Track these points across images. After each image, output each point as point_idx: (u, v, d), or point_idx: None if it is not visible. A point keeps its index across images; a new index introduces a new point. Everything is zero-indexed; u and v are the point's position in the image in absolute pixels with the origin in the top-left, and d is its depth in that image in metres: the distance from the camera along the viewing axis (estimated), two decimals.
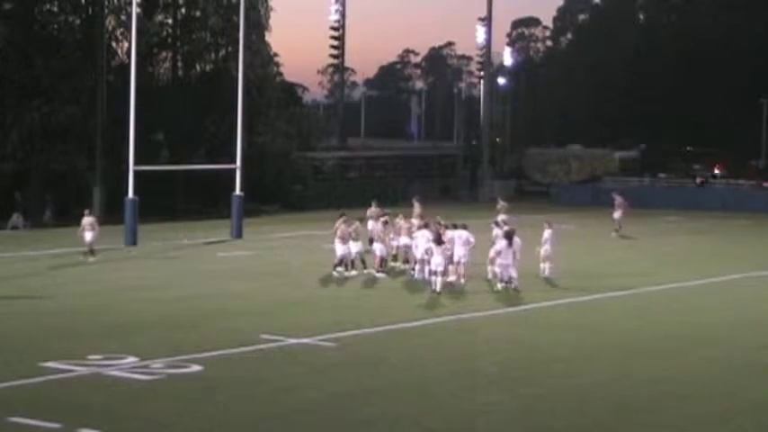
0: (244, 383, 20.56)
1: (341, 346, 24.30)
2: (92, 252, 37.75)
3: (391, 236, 36.37)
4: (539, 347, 24.73)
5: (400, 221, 37.12)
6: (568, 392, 20.50)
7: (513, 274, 32.43)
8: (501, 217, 43.73)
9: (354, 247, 35.42)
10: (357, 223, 36.30)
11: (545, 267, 34.98)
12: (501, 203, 47.59)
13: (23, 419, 17.62)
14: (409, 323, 27.18)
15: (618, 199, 51.51)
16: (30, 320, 26.67)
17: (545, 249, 35.01)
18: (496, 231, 34.85)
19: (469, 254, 33.53)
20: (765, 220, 59.82)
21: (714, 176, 78.71)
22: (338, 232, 35.34)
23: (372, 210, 40.11)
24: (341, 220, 35.96)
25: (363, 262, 35.70)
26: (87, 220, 38.15)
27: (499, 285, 32.39)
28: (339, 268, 35.31)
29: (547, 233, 35.30)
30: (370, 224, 37.44)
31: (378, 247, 35.60)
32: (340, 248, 35.17)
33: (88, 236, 37.69)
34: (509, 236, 32.68)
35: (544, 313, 29.52)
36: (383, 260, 35.64)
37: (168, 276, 35.16)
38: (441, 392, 20.25)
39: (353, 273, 34.98)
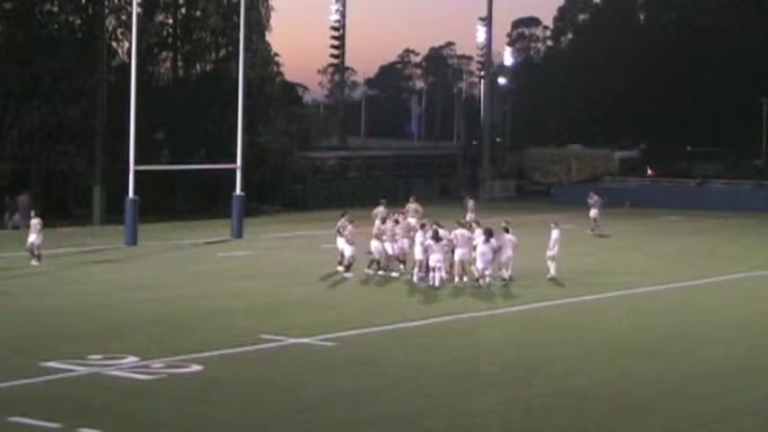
0: (244, 383, 20.58)
1: (341, 345, 24.32)
2: (38, 257, 36.32)
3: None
4: (539, 347, 24.74)
5: (403, 221, 37.05)
6: (568, 392, 20.51)
7: (498, 272, 33.03)
8: (470, 216, 43.73)
9: (376, 246, 35.25)
10: (378, 222, 36.17)
11: (550, 267, 34.92)
12: (470, 202, 47.69)
13: (24, 419, 17.64)
14: (409, 323, 27.19)
15: (594, 198, 51.78)
16: (30, 320, 26.68)
17: (554, 250, 34.92)
18: (477, 231, 35.01)
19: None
20: (765, 220, 59.79)
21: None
22: (344, 232, 35.17)
23: (381, 209, 39.76)
24: (343, 219, 35.89)
25: (378, 263, 35.43)
26: (33, 221, 37.07)
27: (501, 282, 32.73)
28: (339, 267, 35.29)
29: (555, 233, 35.19)
30: (378, 223, 37.08)
31: (389, 247, 35.36)
32: (348, 249, 35.03)
33: (32, 237, 36.65)
34: (489, 233, 33.14)
35: (544, 313, 29.53)
36: (395, 259, 35.47)
37: (168, 276, 35.16)
38: (441, 392, 20.26)
39: (349, 274, 34.78)
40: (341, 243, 35.60)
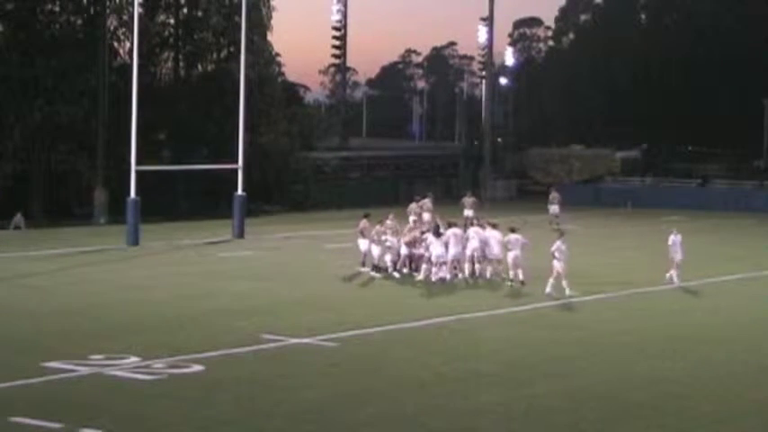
0: (245, 383, 20.61)
1: (342, 345, 24.35)
2: None
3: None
4: (539, 347, 24.77)
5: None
6: (568, 392, 20.54)
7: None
8: (467, 212, 43.95)
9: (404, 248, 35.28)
10: (412, 219, 36.19)
11: (672, 275, 34.47)
12: (467, 199, 47.83)
13: (25, 419, 17.68)
14: (409, 323, 27.22)
15: (553, 194, 54.03)
16: (32, 320, 26.72)
17: (677, 256, 34.57)
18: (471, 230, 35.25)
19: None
20: (766, 220, 59.77)
21: None
22: (371, 233, 35.08)
23: (413, 206, 39.50)
24: (365, 220, 35.72)
25: (394, 263, 35.34)
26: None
27: (509, 282, 33.15)
28: (360, 268, 35.17)
29: (672, 238, 34.89)
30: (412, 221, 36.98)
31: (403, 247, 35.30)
32: (375, 249, 34.84)
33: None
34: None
35: (545, 313, 29.56)
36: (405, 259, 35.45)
37: (170, 276, 35.17)
38: (441, 392, 20.29)
39: (377, 274, 34.75)
40: (363, 244, 35.44)
